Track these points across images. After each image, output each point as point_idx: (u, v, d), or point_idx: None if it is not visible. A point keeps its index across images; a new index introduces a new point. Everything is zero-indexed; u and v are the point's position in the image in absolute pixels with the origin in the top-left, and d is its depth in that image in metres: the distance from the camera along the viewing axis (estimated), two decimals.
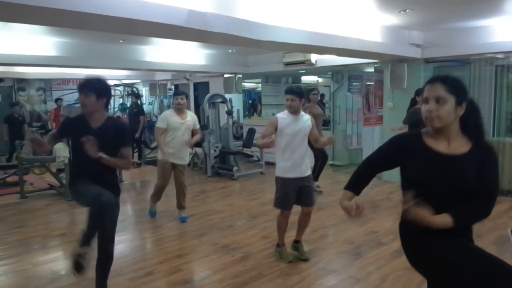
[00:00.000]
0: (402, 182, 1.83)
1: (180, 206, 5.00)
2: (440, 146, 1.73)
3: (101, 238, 2.80)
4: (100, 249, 2.85)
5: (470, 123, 1.74)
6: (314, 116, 4.62)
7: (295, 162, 3.59)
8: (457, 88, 1.69)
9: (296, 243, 3.85)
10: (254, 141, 7.64)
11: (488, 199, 1.73)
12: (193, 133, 4.91)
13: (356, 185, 1.95)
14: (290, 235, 3.91)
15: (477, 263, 1.64)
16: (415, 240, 1.77)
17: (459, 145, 1.74)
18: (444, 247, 1.69)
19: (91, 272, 3.49)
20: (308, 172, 3.72)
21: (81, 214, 5.52)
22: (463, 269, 1.64)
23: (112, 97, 12.11)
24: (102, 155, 2.61)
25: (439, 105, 1.67)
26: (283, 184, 3.61)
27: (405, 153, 1.78)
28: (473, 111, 1.75)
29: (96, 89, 2.65)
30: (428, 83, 1.74)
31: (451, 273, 1.66)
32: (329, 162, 8.17)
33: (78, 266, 2.60)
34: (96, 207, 2.57)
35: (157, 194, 4.98)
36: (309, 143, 3.80)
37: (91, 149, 2.56)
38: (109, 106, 2.84)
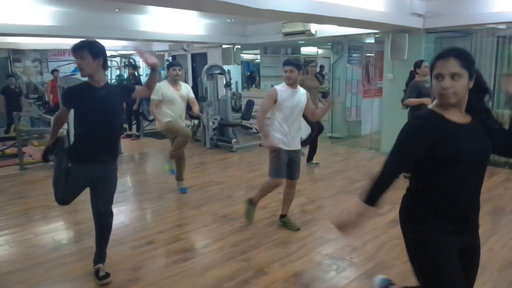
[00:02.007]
0: (424, 164, 1.70)
1: (179, 177, 5.03)
2: (456, 117, 1.70)
3: (97, 214, 2.89)
4: (97, 224, 2.93)
5: (474, 92, 1.71)
6: (309, 89, 4.60)
7: (291, 136, 3.63)
8: (469, 62, 1.64)
9: (283, 217, 3.91)
10: (254, 113, 7.62)
11: None
12: (188, 103, 4.90)
13: (380, 199, 1.71)
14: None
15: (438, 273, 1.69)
16: (417, 222, 1.76)
17: (463, 115, 1.73)
18: (434, 246, 1.72)
19: (91, 241, 3.55)
20: (299, 146, 3.80)
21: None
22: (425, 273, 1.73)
23: (109, 68, 12.01)
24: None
25: (455, 81, 1.61)
26: (279, 154, 3.61)
27: (436, 132, 1.66)
28: (479, 81, 1.71)
29: (90, 49, 2.62)
30: (440, 58, 1.65)
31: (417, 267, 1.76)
32: (328, 134, 8.21)
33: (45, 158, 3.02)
34: (58, 199, 2.90)
35: (179, 147, 4.69)
36: (304, 117, 3.81)
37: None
38: (107, 66, 2.82)
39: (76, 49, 2.62)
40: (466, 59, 1.64)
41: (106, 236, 2.99)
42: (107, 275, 2.89)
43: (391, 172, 1.72)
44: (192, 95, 4.93)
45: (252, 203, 3.83)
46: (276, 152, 3.64)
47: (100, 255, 3.00)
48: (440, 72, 1.64)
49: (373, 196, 1.72)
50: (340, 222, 1.79)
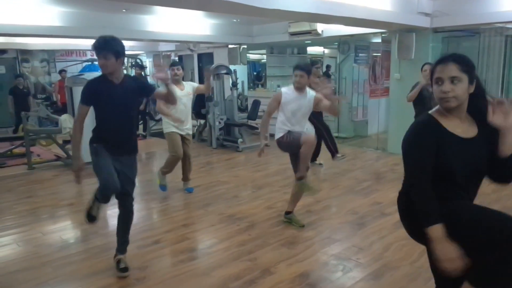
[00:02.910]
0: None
1: (186, 178, 5.04)
2: (456, 128, 1.71)
3: (123, 195, 2.95)
4: (122, 206, 3.02)
5: (475, 99, 1.72)
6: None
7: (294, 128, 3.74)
8: (469, 67, 1.67)
9: (288, 214, 3.95)
10: (260, 113, 7.63)
11: None
12: (198, 101, 4.95)
13: (433, 215, 1.63)
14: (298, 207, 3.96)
15: (478, 215, 1.65)
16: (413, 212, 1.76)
17: (469, 125, 1.73)
18: (443, 213, 1.69)
19: (99, 240, 3.59)
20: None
21: (88, 185, 5.58)
22: (464, 223, 1.63)
23: None
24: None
25: (455, 85, 1.64)
26: (287, 136, 3.71)
27: (435, 140, 1.67)
28: (480, 88, 1.73)
29: (114, 49, 2.69)
30: (439, 63, 1.70)
31: (450, 233, 1.63)
32: (334, 134, 8.17)
33: (90, 217, 3.00)
34: (102, 194, 2.86)
35: (170, 166, 4.82)
36: (311, 120, 3.87)
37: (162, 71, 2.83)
38: (124, 61, 2.90)
39: (100, 49, 2.68)
40: (465, 64, 1.67)
41: (128, 222, 3.06)
42: (126, 268, 2.97)
43: (417, 183, 1.69)
44: (196, 84, 5.04)
45: (288, 214, 3.93)
46: (283, 137, 3.72)
47: (121, 246, 3.07)
48: (439, 77, 1.67)
49: (427, 216, 1.64)
50: (445, 260, 1.60)
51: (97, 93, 2.76)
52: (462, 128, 1.71)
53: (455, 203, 1.70)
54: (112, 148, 2.86)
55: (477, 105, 1.72)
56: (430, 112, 1.78)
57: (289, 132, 3.71)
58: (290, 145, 3.73)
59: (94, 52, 2.73)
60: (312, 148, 3.76)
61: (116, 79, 2.78)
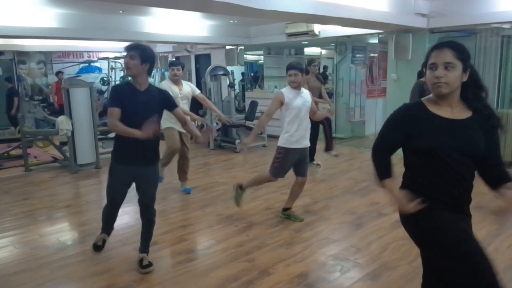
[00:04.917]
0: (409, 153, 1.80)
1: (183, 179, 5.04)
2: (444, 112, 1.72)
3: (143, 206, 3.03)
4: (143, 216, 3.07)
5: (471, 88, 1.73)
6: (311, 89, 4.70)
7: (301, 134, 3.78)
8: (464, 54, 1.68)
9: (286, 210, 4.03)
10: (257, 114, 7.64)
11: (501, 164, 1.79)
12: (197, 101, 4.94)
13: (385, 172, 1.85)
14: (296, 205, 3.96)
15: (467, 252, 1.65)
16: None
17: (461, 111, 1.74)
18: (440, 221, 1.71)
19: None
20: (308, 144, 3.91)
21: (85, 187, 5.61)
22: (451, 248, 1.66)
23: (113, 70, 12.04)
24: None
25: (448, 71, 1.65)
26: (286, 155, 3.77)
27: (414, 123, 1.74)
28: (474, 77, 1.73)
29: (141, 53, 2.72)
30: (435, 48, 1.70)
31: (438, 249, 1.71)
32: (332, 134, 8.19)
33: (96, 247, 3.12)
34: (108, 209, 3.04)
35: (167, 158, 4.79)
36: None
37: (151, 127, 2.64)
38: (151, 73, 2.91)
39: (129, 48, 2.73)
40: (460, 51, 1.67)
41: (150, 228, 3.12)
42: (150, 264, 3.03)
43: (379, 149, 1.88)
44: (197, 91, 4.96)
45: (241, 188, 4.06)
46: (284, 153, 3.76)
47: (144, 247, 3.13)
48: (434, 62, 1.68)
49: (380, 172, 1.85)
50: (395, 204, 1.80)
51: (122, 96, 2.78)
52: (453, 112, 1.72)
53: (444, 217, 1.71)
54: (132, 157, 2.82)
55: (468, 94, 1.73)
56: (422, 98, 1.81)
57: (291, 150, 3.74)
58: (273, 163, 3.84)
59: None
60: (301, 190, 4.00)
61: (138, 85, 2.79)
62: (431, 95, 1.77)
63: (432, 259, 1.82)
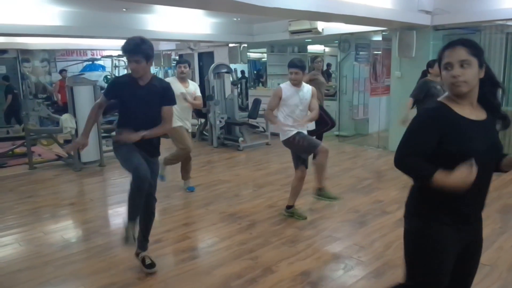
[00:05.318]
0: (430, 158, 1.64)
1: (186, 177, 5.04)
2: (468, 113, 1.66)
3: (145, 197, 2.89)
4: (144, 207, 2.93)
5: (487, 85, 1.68)
6: (318, 85, 4.67)
7: (296, 129, 3.78)
8: (477, 50, 1.62)
9: (289, 208, 4.04)
10: (261, 112, 7.62)
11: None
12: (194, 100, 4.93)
13: (427, 168, 1.61)
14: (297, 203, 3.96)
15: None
16: (420, 215, 1.73)
17: (479, 110, 1.70)
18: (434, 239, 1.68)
19: (100, 239, 3.60)
20: (305, 133, 3.91)
21: (89, 185, 5.63)
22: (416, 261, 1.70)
23: (117, 68, 12.06)
24: (144, 133, 2.72)
25: (464, 69, 1.59)
26: (298, 136, 3.73)
27: (445, 126, 1.62)
28: (489, 73, 1.68)
29: (145, 53, 2.69)
30: (447, 48, 1.64)
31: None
32: (335, 132, 8.18)
33: (127, 239, 2.80)
34: (135, 184, 2.65)
35: (177, 159, 4.79)
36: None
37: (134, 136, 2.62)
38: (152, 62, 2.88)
39: (131, 54, 2.67)
40: (474, 47, 1.61)
41: (150, 222, 3.05)
42: (154, 263, 2.98)
43: (407, 154, 1.66)
44: (198, 93, 4.94)
45: (289, 208, 4.03)
46: (295, 138, 3.74)
47: (143, 243, 3.06)
48: (449, 61, 1.61)
49: (423, 172, 1.62)
50: (463, 182, 1.54)
51: (120, 89, 2.78)
52: (475, 112, 1.67)
53: (443, 243, 1.69)
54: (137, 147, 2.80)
55: (485, 92, 1.68)
56: (439, 99, 1.72)
57: (298, 133, 3.73)
58: (301, 148, 3.78)
59: (124, 55, 2.73)
60: (327, 158, 3.81)
61: (142, 80, 2.77)
62: (446, 94, 1.69)
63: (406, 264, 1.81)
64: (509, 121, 1.73)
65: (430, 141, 1.62)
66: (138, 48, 2.68)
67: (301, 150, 3.81)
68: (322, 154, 3.73)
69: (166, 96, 2.88)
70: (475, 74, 1.61)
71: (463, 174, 1.52)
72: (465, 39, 1.65)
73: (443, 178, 1.55)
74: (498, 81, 1.71)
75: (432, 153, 1.63)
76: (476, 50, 1.61)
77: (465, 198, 1.63)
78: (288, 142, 3.81)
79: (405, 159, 1.67)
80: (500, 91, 1.72)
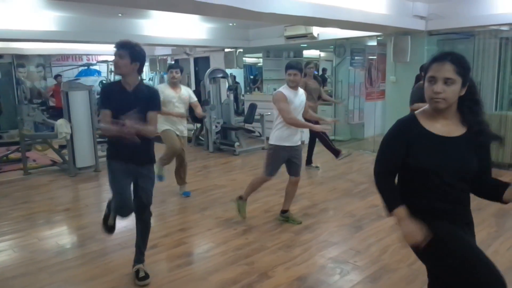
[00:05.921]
0: (405, 171, 1.75)
1: (181, 182, 5.02)
2: (439, 127, 1.69)
3: (140, 207, 2.88)
4: (139, 219, 2.94)
5: (466, 102, 1.69)
6: (311, 91, 4.72)
7: (292, 132, 3.79)
8: (465, 69, 1.63)
9: (284, 212, 4.05)
10: (256, 117, 7.63)
11: (493, 178, 1.80)
12: (191, 107, 4.90)
13: (395, 200, 1.75)
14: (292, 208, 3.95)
15: (470, 256, 1.64)
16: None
17: (455, 125, 1.70)
18: (443, 233, 1.68)
19: (95, 245, 3.57)
20: (299, 143, 3.94)
21: (84, 190, 5.60)
22: (454, 259, 1.64)
23: (112, 73, 12.04)
24: (127, 122, 2.64)
25: (447, 86, 1.60)
26: (276, 152, 3.80)
27: (409, 139, 1.70)
28: (471, 90, 1.69)
29: (131, 52, 2.67)
30: (436, 61, 1.64)
31: (439, 259, 1.68)
32: (331, 137, 8.18)
33: (110, 228, 2.99)
34: (115, 208, 2.79)
35: (168, 159, 4.75)
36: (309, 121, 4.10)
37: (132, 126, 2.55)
38: (142, 72, 2.85)
39: (118, 46, 2.69)
40: (462, 66, 1.62)
41: (146, 235, 3.01)
42: (147, 276, 2.91)
43: (383, 171, 1.81)
44: (194, 99, 4.93)
45: (241, 199, 4.07)
46: (273, 150, 3.81)
47: (139, 256, 3.01)
48: (433, 75, 1.63)
49: (390, 201, 1.76)
50: (409, 236, 1.69)
51: (110, 97, 2.76)
52: (448, 128, 1.69)
53: (443, 228, 1.69)
54: (126, 157, 2.77)
55: (463, 108, 1.69)
56: (416, 112, 1.77)
57: (281, 147, 3.77)
58: (266, 161, 3.89)
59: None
60: (296, 189, 4.02)
61: (128, 85, 2.74)
62: (427, 105, 1.73)
63: (435, 270, 1.77)
64: (488, 136, 1.72)
65: (399, 153, 1.73)
66: (126, 45, 2.69)
67: (266, 162, 3.89)
68: (291, 184, 3.96)
69: (153, 101, 2.85)
70: (456, 92, 1.63)
71: (414, 234, 1.65)
72: (456, 55, 1.65)
73: (401, 218, 1.70)
74: (479, 99, 1.72)
75: (405, 167, 1.72)
76: (463, 70, 1.62)
77: (443, 205, 1.71)
78: (271, 149, 3.82)
79: (379, 178, 1.82)
80: (479, 109, 1.71)
